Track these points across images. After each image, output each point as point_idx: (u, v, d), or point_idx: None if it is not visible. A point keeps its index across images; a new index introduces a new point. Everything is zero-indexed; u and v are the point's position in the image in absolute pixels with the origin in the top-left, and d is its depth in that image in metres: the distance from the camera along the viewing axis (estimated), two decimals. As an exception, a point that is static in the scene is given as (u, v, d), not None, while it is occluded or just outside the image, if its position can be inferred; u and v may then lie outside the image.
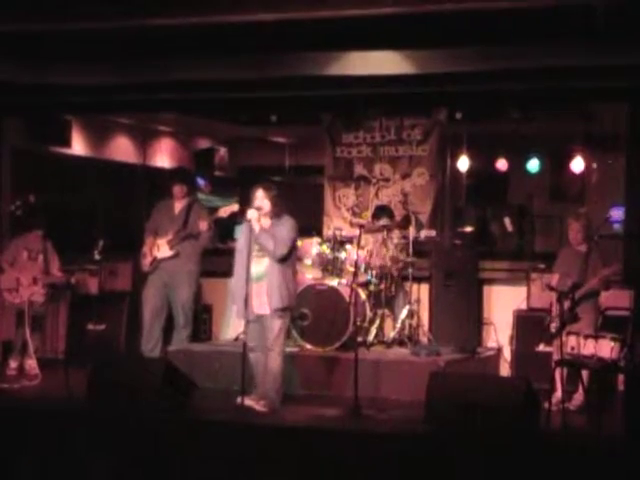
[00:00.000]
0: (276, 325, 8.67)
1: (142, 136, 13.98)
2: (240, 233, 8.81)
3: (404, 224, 11.17)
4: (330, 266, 10.58)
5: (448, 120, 11.89)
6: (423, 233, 11.55)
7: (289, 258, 8.76)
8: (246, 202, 8.83)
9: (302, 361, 9.87)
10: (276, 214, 8.71)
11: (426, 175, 11.96)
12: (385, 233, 10.70)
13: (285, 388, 8.97)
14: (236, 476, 7.47)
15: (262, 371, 8.73)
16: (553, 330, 8.70)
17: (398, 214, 11.53)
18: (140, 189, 13.27)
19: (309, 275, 10.60)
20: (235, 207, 9.32)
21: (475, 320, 10.87)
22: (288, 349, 9.54)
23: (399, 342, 10.48)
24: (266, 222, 8.67)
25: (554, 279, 9.23)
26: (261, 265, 8.66)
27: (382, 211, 11.07)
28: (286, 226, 8.69)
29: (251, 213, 8.60)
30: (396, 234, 10.85)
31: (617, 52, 8.36)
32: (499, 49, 8.64)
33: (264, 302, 8.64)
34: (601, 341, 8.12)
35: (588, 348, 8.15)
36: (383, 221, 10.79)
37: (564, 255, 9.36)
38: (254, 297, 8.61)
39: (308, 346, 10.17)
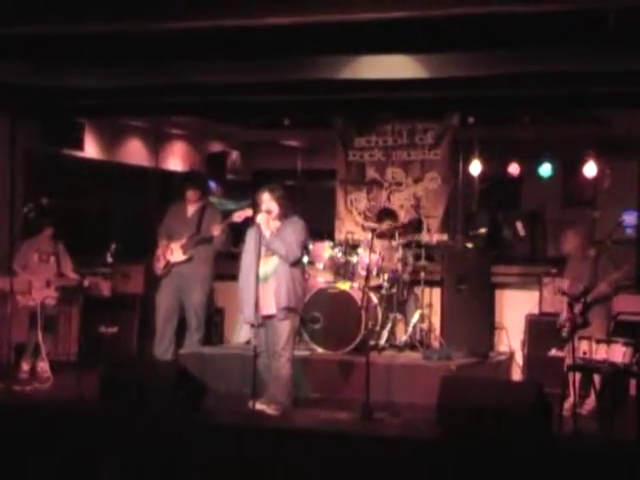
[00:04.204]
0: (284, 328, 8.62)
1: (155, 139, 14.00)
2: (249, 237, 8.78)
3: (414, 228, 11.17)
4: (342, 270, 10.59)
5: (460, 124, 11.88)
6: (435, 237, 11.57)
7: (300, 260, 8.77)
8: (258, 206, 8.82)
9: (313, 364, 9.87)
10: (284, 215, 8.70)
11: (438, 179, 11.95)
12: (397, 237, 10.70)
13: (296, 391, 8.98)
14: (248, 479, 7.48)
15: (272, 377, 8.69)
16: (565, 335, 8.69)
17: (408, 217, 11.54)
18: (152, 192, 13.28)
19: (321, 279, 10.61)
20: (249, 212, 9.26)
21: (487, 324, 10.84)
22: (299, 352, 9.56)
23: (411, 346, 10.47)
24: (275, 224, 8.67)
25: (566, 284, 9.22)
26: (269, 264, 8.63)
27: (386, 214, 11.07)
28: (296, 228, 8.68)
29: (260, 217, 8.60)
30: (408, 238, 10.85)
31: (629, 57, 8.35)
32: (511, 54, 8.63)
33: (271, 302, 8.60)
34: (613, 346, 8.12)
35: (600, 353, 8.14)
36: (386, 223, 10.79)
37: (573, 260, 9.34)
38: (261, 298, 8.54)
39: (320, 349, 10.18)
